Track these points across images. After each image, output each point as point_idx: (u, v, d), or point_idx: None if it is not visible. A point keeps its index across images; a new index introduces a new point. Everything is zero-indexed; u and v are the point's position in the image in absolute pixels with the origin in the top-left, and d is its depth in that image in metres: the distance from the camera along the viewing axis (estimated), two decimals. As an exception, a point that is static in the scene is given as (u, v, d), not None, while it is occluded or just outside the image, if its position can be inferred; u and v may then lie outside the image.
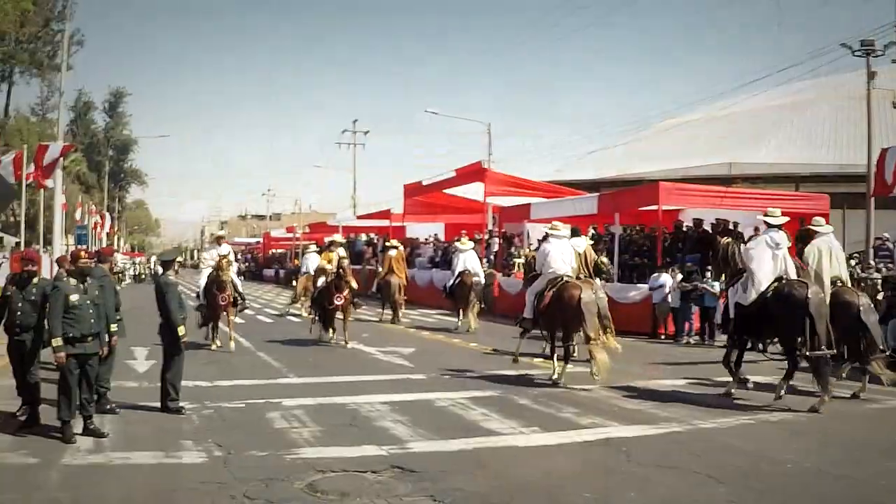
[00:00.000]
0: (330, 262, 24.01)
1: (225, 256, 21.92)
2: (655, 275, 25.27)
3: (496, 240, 39.07)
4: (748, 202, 29.21)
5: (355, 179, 79.22)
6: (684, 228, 28.94)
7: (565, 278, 17.21)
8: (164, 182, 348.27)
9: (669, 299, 24.51)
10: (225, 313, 22.01)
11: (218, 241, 24.02)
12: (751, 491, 9.35)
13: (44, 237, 40.87)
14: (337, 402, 14.52)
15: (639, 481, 9.71)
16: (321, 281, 24.11)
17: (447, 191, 43.22)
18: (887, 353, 16.03)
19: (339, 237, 26.75)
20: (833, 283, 15.66)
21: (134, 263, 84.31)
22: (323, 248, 28.87)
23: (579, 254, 19.07)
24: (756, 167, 46.49)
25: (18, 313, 12.42)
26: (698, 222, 28.68)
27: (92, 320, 11.77)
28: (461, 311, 28.18)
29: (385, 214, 51.39)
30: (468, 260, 28.87)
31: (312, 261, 32.73)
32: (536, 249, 21.20)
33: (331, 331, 23.49)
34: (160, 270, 15.05)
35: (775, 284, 14.58)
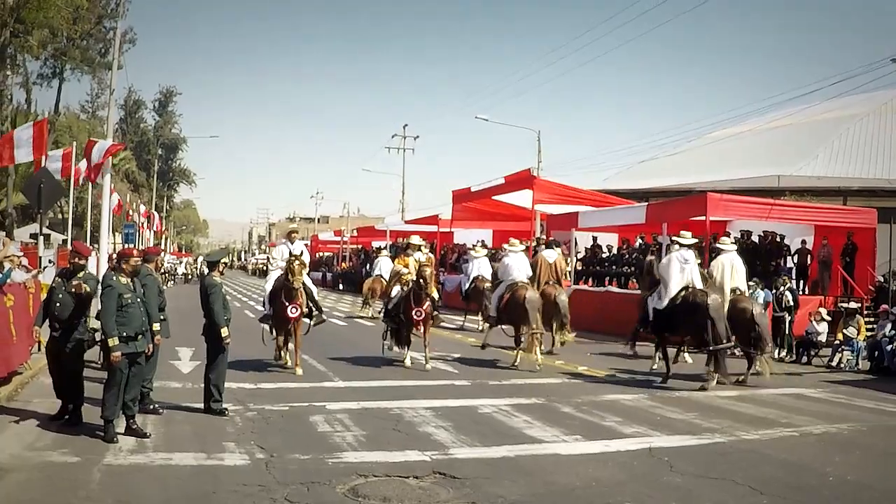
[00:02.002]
0: (407, 266, 21.31)
1: (298, 257, 18.39)
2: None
3: (543, 247, 38.92)
4: (796, 215, 29.09)
5: (404, 184, 78.90)
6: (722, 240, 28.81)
7: (519, 283, 21.06)
8: (213, 182, 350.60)
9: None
10: (294, 328, 18.60)
11: (290, 236, 20.17)
12: (792, 503, 9.31)
13: (91, 235, 41.12)
14: (381, 407, 14.55)
15: (681, 492, 9.67)
16: (396, 290, 21.14)
17: (496, 197, 43.04)
18: (772, 350, 20.30)
19: (417, 239, 23.73)
20: (733, 291, 18.95)
21: (181, 263, 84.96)
22: (398, 252, 27.47)
23: (550, 263, 23.84)
24: (804, 180, 46.10)
25: (58, 305, 12.46)
26: (746, 234, 28.53)
27: (143, 318, 11.88)
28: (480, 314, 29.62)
29: (433, 220, 51.25)
30: (481, 266, 30.66)
31: (385, 265, 32.74)
32: (498, 261, 24.89)
33: (406, 349, 20.36)
34: (206, 271, 15.01)
35: (683, 292, 17.90)
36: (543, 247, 25.76)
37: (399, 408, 14.44)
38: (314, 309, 19.55)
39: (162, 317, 13.83)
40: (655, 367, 19.05)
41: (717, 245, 20.56)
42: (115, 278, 11.89)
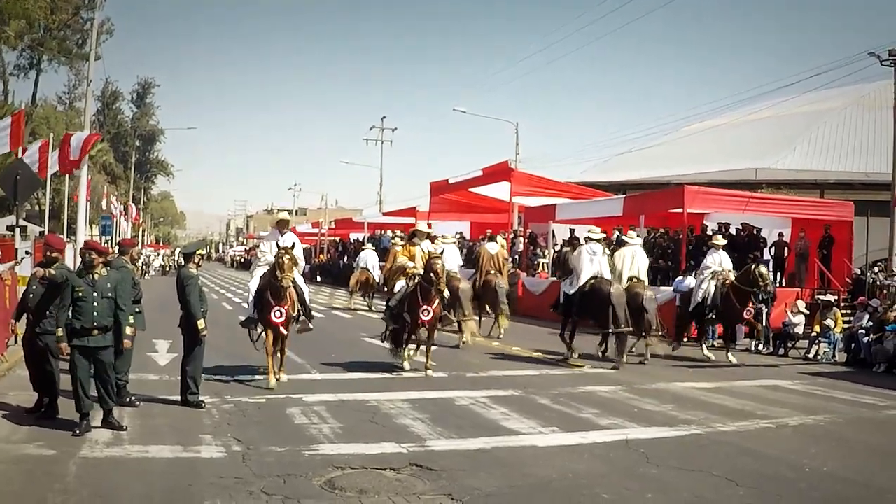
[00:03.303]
0: (413, 258, 18.97)
1: (288, 250, 15.42)
2: (680, 278, 25.17)
3: (521, 239, 38.99)
4: (773, 207, 29.26)
5: (382, 176, 78.80)
6: (709, 232, 28.86)
7: (451, 273, 22.45)
8: (191, 174, 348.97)
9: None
10: (282, 333, 15.87)
11: (280, 226, 16.84)
12: (769, 494, 9.33)
13: (68, 227, 40.90)
14: (358, 399, 14.51)
15: (657, 483, 9.70)
16: (400, 285, 18.70)
17: (473, 189, 43.12)
18: (661, 332, 21.36)
19: (424, 225, 22.19)
20: (630, 279, 21.03)
21: (159, 255, 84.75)
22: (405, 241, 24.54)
23: (492, 255, 26.45)
24: (782, 173, 46.33)
25: (31, 296, 12.52)
26: (724, 226, 28.60)
27: (95, 313, 11.53)
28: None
29: (411, 212, 51.35)
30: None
31: (370, 258, 32.68)
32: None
33: (409, 352, 18.71)
34: (182, 263, 14.91)
35: (591, 281, 19.92)
36: (487, 240, 28.80)
37: (376, 400, 14.41)
38: (302, 314, 16.66)
39: (137, 309, 13.67)
40: (624, 359, 19.69)
41: (624, 238, 23.06)
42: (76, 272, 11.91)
